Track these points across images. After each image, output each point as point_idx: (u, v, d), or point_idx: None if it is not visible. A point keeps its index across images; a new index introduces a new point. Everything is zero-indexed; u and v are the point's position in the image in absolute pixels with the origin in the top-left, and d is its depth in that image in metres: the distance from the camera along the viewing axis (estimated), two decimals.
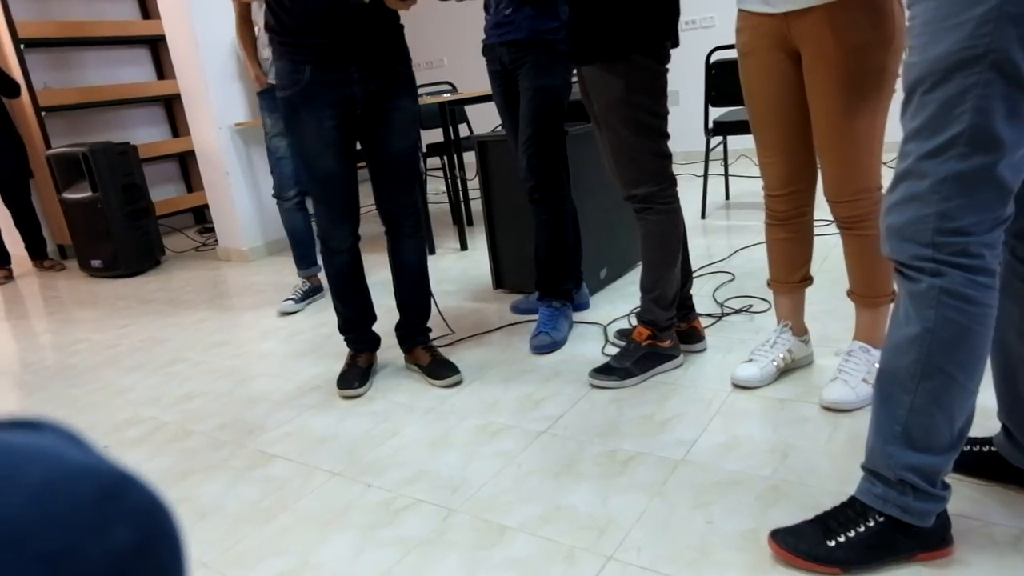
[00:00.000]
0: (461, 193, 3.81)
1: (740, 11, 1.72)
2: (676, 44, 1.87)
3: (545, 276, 2.46)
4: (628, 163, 1.93)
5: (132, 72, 5.56)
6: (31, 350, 3.09)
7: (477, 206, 4.80)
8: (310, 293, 3.19)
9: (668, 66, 1.89)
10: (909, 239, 1.09)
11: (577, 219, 2.57)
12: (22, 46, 4.65)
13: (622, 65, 1.82)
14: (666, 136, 1.94)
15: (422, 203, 2.28)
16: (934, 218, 1.06)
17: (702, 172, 3.96)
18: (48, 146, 4.75)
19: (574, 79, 2.27)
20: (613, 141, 1.92)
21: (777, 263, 1.91)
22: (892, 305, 1.20)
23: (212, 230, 5.08)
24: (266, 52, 2.97)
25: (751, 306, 2.47)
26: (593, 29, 1.83)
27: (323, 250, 2.18)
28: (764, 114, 1.74)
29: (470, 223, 4.30)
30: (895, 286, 1.27)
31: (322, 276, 3.21)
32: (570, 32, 1.92)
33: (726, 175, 4.23)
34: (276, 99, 2.96)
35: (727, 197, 4.21)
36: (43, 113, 4.77)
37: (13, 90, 4.43)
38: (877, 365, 1.73)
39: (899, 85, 1.31)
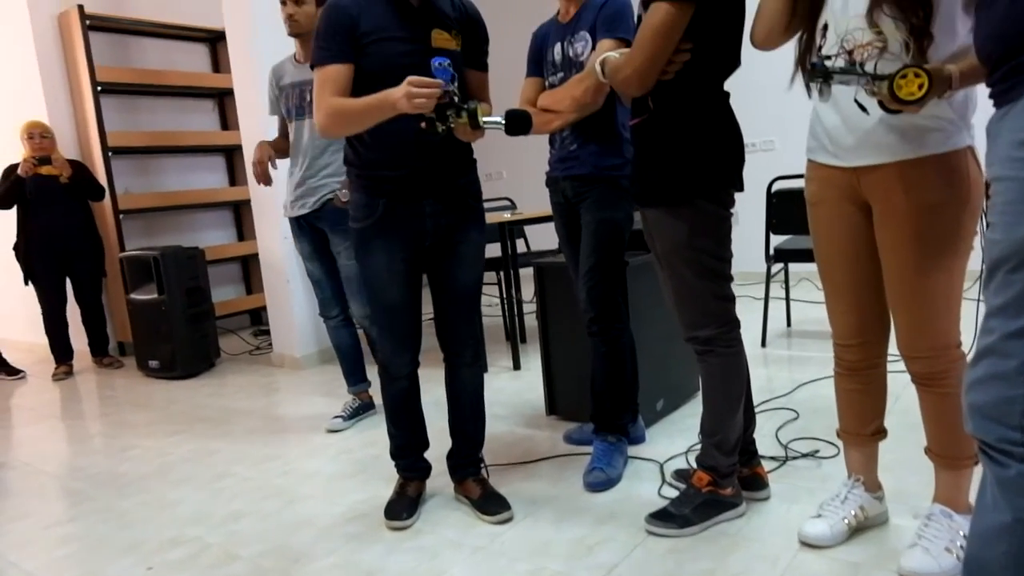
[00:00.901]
0: (516, 311, 3.82)
1: (809, 161, 1.72)
2: (741, 189, 1.87)
3: (601, 410, 2.40)
4: (690, 305, 1.90)
5: (206, 178, 5.85)
6: (83, 454, 3.11)
7: (530, 320, 4.80)
8: (360, 410, 3.18)
9: (733, 209, 1.89)
10: (994, 420, 1.02)
11: (635, 350, 2.53)
12: (110, 153, 4.95)
13: (686, 209, 1.83)
14: (729, 279, 1.91)
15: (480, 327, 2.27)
16: (1022, 400, 1.00)
17: (762, 295, 3.90)
18: (122, 246, 4.98)
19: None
20: (675, 283, 1.90)
21: (847, 414, 1.83)
22: (976, 467, 1.12)
23: (267, 332, 5.18)
24: (295, 175, 3.00)
25: (818, 451, 2.36)
26: (657, 173, 1.85)
27: (382, 374, 2.18)
28: (833, 264, 1.71)
29: (523, 340, 4.28)
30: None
31: (372, 391, 3.19)
32: (635, 173, 1.95)
33: (787, 300, 4.16)
34: (301, 225, 3.03)
35: (788, 324, 4.13)
36: (121, 216, 5.01)
37: (99, 194, 4.69)
38: (962, 532, 1.63)
39: (978, 243, 1.28)
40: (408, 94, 1.72)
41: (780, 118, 5.38)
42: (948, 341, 1.58)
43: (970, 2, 1.47)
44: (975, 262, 1.19)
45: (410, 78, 1.73)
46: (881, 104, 1.41)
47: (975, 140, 1.49)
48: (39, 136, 4.43)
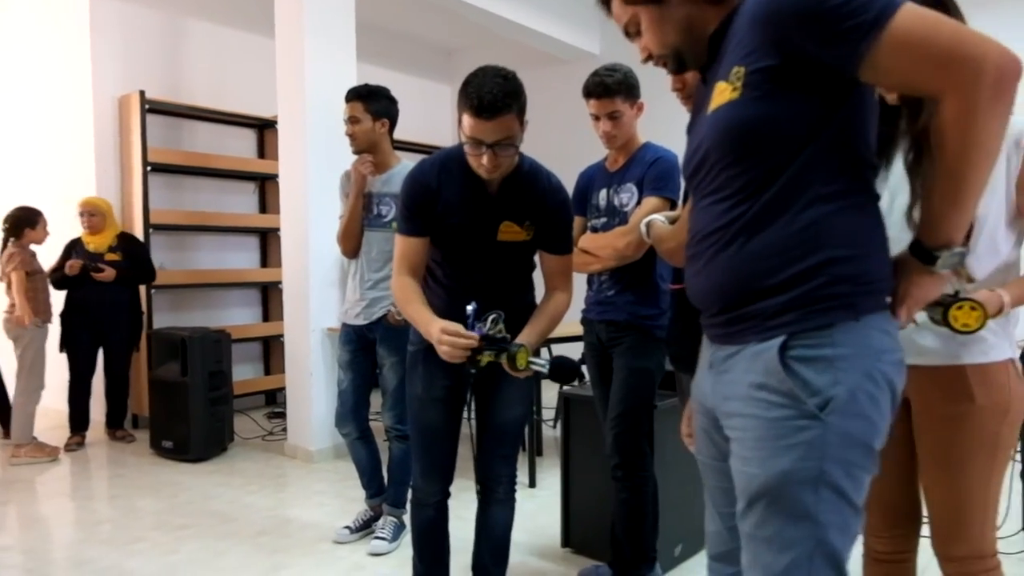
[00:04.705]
0: (535, 427, 3.80)
1: None
2: None
3: (620, 556, 2.37)
4: None
5: (239, 258, 5.97)
6: (90, 543, 3.08)
7: (546, 428, 4.77)
8: (370, 522, 3.13)
9: None
10: None
11: (657, 495, 2.50)
12: (151, 230, 5.09)
13: None
14: None
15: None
16: None
17: None
18: (150, 319, 5.05)
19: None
20: None
21: None
22: None
23: (281, 415, 5.16)
24: (357, 280, 3.01)
25: None
26: (695, 341, 1.88)
27: (412, 499, 2.17)
28: None
29: (539, 452, 4.24)
30: None
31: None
32: (672, 335, 1.98)
33: None
34: (349, 333, 3.06)
35: None
36: (153, 291, 5.11)
37: (149, 278, 4.82)
38: None
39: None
40: (440, 341, 1.75)
41: None
42: (983, 549, 1.56)
43: (1013, 220, 1.52)
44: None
45: (444, 327, 1.75)
46: (931, 316, 1.43)
47: (1016, 353, 1.52)
48: (88, 215, 4.58)
